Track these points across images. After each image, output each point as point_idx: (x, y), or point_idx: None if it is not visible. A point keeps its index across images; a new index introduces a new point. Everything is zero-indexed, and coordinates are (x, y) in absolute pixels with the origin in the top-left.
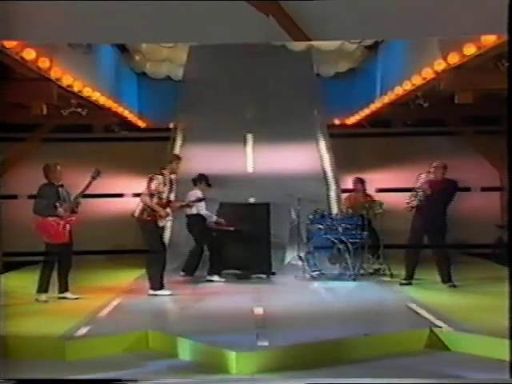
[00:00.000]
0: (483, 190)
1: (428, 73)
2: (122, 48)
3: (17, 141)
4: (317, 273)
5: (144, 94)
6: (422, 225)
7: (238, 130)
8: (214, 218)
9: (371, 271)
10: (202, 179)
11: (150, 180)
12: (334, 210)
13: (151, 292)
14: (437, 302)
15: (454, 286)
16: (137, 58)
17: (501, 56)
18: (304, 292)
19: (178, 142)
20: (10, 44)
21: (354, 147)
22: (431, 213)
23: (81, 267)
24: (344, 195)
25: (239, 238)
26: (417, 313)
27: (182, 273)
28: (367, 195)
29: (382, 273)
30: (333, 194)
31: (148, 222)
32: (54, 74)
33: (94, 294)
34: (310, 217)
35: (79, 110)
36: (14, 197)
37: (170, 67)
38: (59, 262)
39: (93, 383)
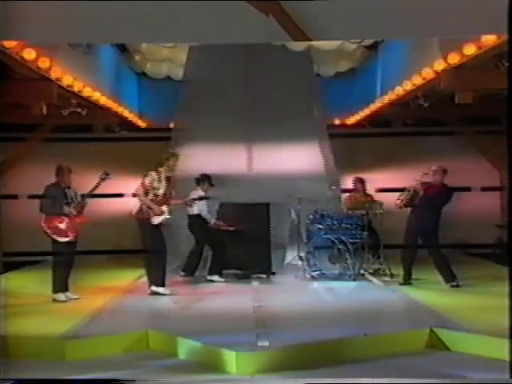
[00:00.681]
0: (483, 189)
1: (428, 73)
2: (122, 48)
3: (17, 141)
4: (317, 273)
5: (144, 93)
6: (415, 227)
7: (238, 130)
8: (213, 221)
9: (371, 271)
10: (204, 179)
11: (145, 176)
12: (334, 209)
13: (153, 288)
14: (437, 301)
15: (458, 286)
16: (137, 57)
17: (501, 56)
18: (304, 292)
19: (178, 142)
20: (9, 44)
21: (354, 147)
22: (424, 216)
23: (81, 267)
24: (344, 195)
25: (239, 238)
26: (416, 313)
27: (181, 273)
28: (367, 195)
29: (382, 273)
30: (333, 194)
31: (145, 220)
32: (54, 73)
33: (94, 294)
34: (310, 217)
35: (79, 109)
36: (14, 197)
37: (170, 67)
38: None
39: (93, 383)
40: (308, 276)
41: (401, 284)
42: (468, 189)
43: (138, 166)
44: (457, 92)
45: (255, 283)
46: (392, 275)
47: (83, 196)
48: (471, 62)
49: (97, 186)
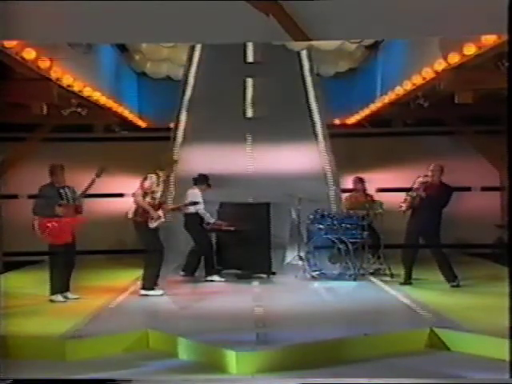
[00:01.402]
0: (483, 189)
1: (428, 72)
2: (122, 48)
3: (17, 141)
4: (317, 273)
5: (144, 93)
6: (416, 227)
7: (238, 130)
8: (212, 220)
9: (371, 271)
10: (202, 179)
11: (144, 179)
12: (335, 209)
13: (142, 292)
14: (437, 301)
15: (458, 286)
16: (137, 57)
17: (501, 56)
18: (304, 292)
19: (178, 142)
20: (10, 44)
21: (354, 147)
22: (425, 216)
23: (81, 267)
24: (344, 195)
25: (239, 238)
26: (417, 313)
27: (181, 273)
28: (368, 195)
29: (382, 273)
30: (333, 194)
31: (141, 223)
32: (54, 73)
33: (94, 294)
34: (311, 217)
35: (79, 109)
36: (14, 197)
37: (170, 67)
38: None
39: (93, 383)
40: (308, 276)
41: (401, 284)
42: (468, 189)
43: (137, 166)
44: (457, 92)
45: (255, 283)
46: (392, 275)
47: (78, 196)
48: (471, 62)
49: (92, 184)
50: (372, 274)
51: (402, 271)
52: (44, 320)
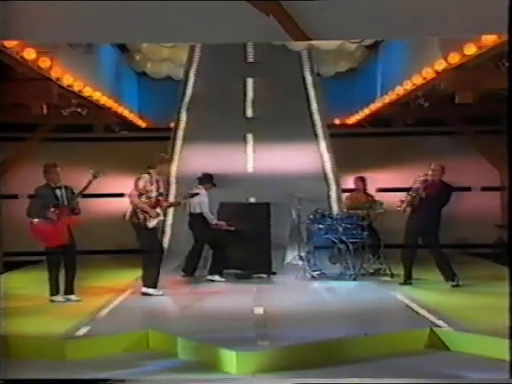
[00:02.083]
0: (483, 189)
1: (428, 72)
2: (123, 48)
3: (17, 141)
4: (317, 272)
5: (144, 93)
6: (415, 226)
7: (238, 130)
8: (215, 221)
9: (372, 271)
10: (207, 179)
11: (137, 179)
12: (335, 209)
13: (143, 290)
14: (437, 301)
15: (458, 285)
16: (137, 57)
17: (501, 56)
18: (304, 292)
19: (178, 142)
20: (10, 44)
21: (354, 147)
22: (424, 215)
23: (81, 267)
24: (345, 195)
25: (239, 238)
26: (417, 312)
27: (181, 273)
28: (368, 195)
29: (382, 272)
30: (333, 194)
31: (139, 224)
32: (55, 73)
33: (94, 294)
34: (311, 216)
35: (79, 109)
36: (14, 197)
37: (171, 67)
38: (64, 265)
39: (93, 383)
40: (308, 276)
41: (401, 284)
42: (468, 189)
43: (138, 166)
44: (457, 92)
45: (255, 283)
46: (392, 275)
47: (75, 197)
48: (471, 62)
49: (88, 185)
50: (372, 273)
51: (402, 271)
52: (44, 320)
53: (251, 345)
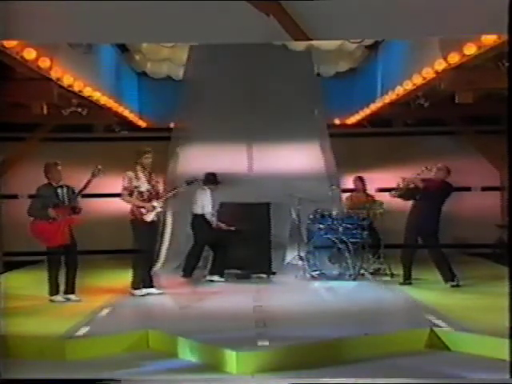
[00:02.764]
0: (483, 189)
1: (428, 72)
2: (122, 48)
3: (17, 140)
4: (317, 272)
5: (144, 93)
6: (415, 225)
7: (238, 130)
8: (215, 222)
9: (371, 271)
10: (211, 179)
11: (123, 178)
12: (335, 209)
13: (131, 291)
14: (437, 301)
15: (458, 286)
16: (137, 57)
17: (501, 56)
18: (304, 292)
19: (178, 142)
20: (10, 44)
21: (354, 147)
22: (424, 213)
23: (81, 267)
24: (345, 195)
25: (239, 238)
26: (417, 312)
27: (181, 273)
28: (368, 195)
29: (382, 272)
30: (333, 194)
31: (136, 220)
32: (55, 73)
33: (94, 294)
34: (311, 216)
35: (79, 109)
36: (14, 197)
37: (171, 67)
38: (64, 264)
39: (93, 383)
40: (308, 276)
41: (401, 284)
42: (468, 189)
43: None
44: (457, 92)
45: (255, 283)
46: (392, 275)
47: (75, 196)
48: (471, 62)
49: (88, 183)
50: (372, 273)
51: (401, 271)
52: (44, 320)
53: (251, 345)
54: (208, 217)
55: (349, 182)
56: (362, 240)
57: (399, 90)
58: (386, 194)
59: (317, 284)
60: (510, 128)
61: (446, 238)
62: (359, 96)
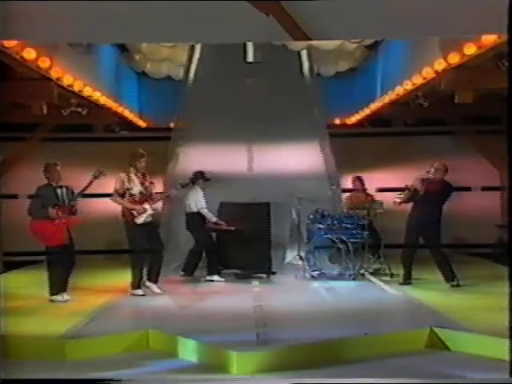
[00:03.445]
0: (483, 189)
1: (428, 72)
2: (122, 48)
3: (17, 140)
4: (317, 272)
5: (144, 93)
6: (416, 226)
7: (238, 130)
8: (214, 219)
9: (371, 271)
10: (198, 176)
11: (115, 180)
12: (335, 209)
13: (131, 291)
14: (437, 301)
15: (458, 286)
16: (137, 57)
17: (501, 56)
18: (304, 292)
19: (178, 142)
20: (9, 44)
21: (354, 147)
22: (425, 214)
23: (80, 267)
24: (344, 195)
25: (239, 238)
26: (417, 312)
27: (181, 272)
28: (368, 195)
29: (382, 272)
30: (333, 194)
31: (127, 222)
32: (55, 73)
33: (94, 294)
34: (311, 216)
35: (79, 109)
36: (14, 196)
37: (171, 67)
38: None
39: (93, 383)
40: (308, 276)
41: (401, 284)
42: (468, 189)
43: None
44: (457, 92)
45: (255, 283)
46: (392, 275)
47: (75, 197)
48: (471, 62)
49: (89, 185)
50: (372, 273)
51: (401, 271)
52: (44, 320)
53: (251, 345)
54: (204, 212)
55: (349, 182)
56: (361, 240)
57: (399, 90)
58: (386, 194)
59: (317, 284)
60: (510, 128)
61: (446, 238)
62: (359, 96)
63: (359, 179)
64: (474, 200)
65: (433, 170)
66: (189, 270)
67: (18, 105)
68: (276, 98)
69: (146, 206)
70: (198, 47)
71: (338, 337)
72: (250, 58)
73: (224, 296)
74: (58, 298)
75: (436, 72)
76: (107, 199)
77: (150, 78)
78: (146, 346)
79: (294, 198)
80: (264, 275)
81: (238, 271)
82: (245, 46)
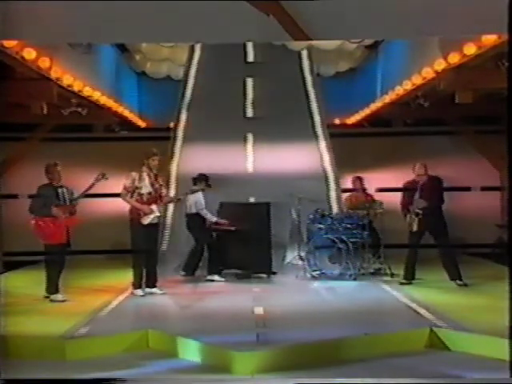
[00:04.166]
0: (483, 189)
1: (428, 72)
2: (122, 48)
3: (17, 140)
4: (317, 272)
5: (144, 93)
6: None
7: (238, 130)
8: (215, 218)
9: (372, 271)
10: (202, 179)
11: (126, 178)
12: (335, 209)
13: (132, 291)
14: (437, 301)
15: (465, 285)
16: (137, 57)
17: (501, 56)
18: (304, 292)
19: (178, 142)
20: (9, 44)
21: (354, 147)
22: (428, 213)
23: (80, 267)
24: (344, 195)
25: (239, 238)
26: (417, 312)
27: (182, 272)
28: (368, 195)
29: (382, 272)
30: (333, 194)
31: (133, 221)
32: (55, 73)
33: (94, 294)
34: (311, 216)
35: (79, 109)
36: (14, 196)
37: (170, 67)
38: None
39: (93, 383)
40: (308, 276)
41: (401, 283)
42: (468, 189)
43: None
44: (457, 92)
45: (255, 283)
46: (392, 275)
47: (77, 198)
48: (471, 62)
49: (91, 187)
50: (372, 273)
51: (402, 271)
52: (44, 320)
53: (251, 345)
54: (203, 212)
55: (348, 182)
56: (362, 240)
57: (399, 90)
58: (386, 193)
59: (317, 284)
60: (510, 128)
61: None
62: (359, 96)
63: (359, 179)
64: (474, 200)
65: (416, 169)
66: (189, 270)
67: (18, 105)
68: (276, 97)
69: (154, 207)
70: (197, 47)
71: (338, 337)
72: (250, 57)
73: (224, 296)
74: (58, 297)
75: (436, 72)
76: (108, 199)
77: (149, 77)
78: (146, 346)
79: (294, 198)
80: (264, 275)
81: (239, 271)
82: (245, 46)
